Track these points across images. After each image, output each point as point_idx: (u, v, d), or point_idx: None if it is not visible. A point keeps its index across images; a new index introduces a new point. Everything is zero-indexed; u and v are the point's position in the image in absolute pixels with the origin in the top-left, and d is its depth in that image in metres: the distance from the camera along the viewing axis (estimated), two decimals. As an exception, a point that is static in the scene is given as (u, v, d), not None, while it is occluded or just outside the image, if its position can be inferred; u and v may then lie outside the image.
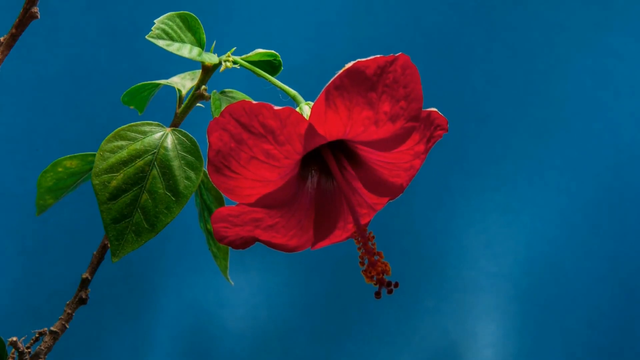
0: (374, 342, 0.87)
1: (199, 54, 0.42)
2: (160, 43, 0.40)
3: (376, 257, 0.38)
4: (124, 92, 0.51)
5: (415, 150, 0.38)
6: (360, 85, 0.33)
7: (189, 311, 0.85)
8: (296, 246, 0.40)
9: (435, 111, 0.38)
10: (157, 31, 0.40)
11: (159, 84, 0.49)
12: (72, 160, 0.46)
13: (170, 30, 0.41)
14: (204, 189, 0.47)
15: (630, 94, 0.88)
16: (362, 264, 0.38)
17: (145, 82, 0.50)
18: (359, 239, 0.38)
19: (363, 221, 0.41)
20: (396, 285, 0.38)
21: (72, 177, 0.47)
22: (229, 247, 0.48)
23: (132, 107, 0.52)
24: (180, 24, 0.42)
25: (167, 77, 0.49)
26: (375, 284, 0.38)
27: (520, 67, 0.88)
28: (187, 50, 0.41)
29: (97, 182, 0.39)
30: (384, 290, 0.38)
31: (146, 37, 0.40)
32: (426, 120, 0.38)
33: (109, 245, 0.41)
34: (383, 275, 0.38)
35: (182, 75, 0.48)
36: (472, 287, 0.87)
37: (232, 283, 0.51)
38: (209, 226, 0.48)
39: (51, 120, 0.82)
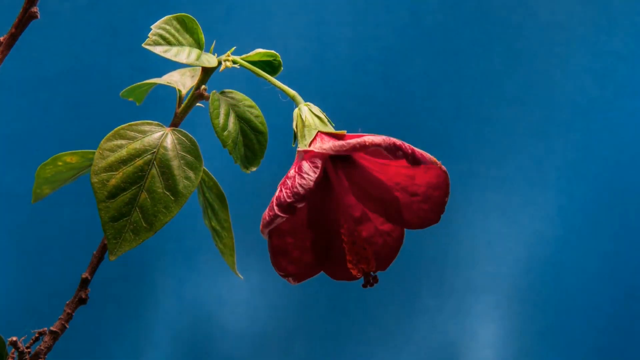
0: (374, 342, 0.87)
1: (198, 57, 0.41)
2: (157, 50, 0.40)
3: (365, 248, 0.39)
4: (124, 90, 0.51)
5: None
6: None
7: (189, 311, 0.85)
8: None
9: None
10: (154, 37, 0.40)
11: (158, 82, 0.49)
12: (72, 156, 0.46)
13: (167, 35, 0.41)
14: (206, 188, 0.47)
15: (630, 94, 0.88)
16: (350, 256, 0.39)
17: (145, 82, 0.50)
18: (349, 234, 0.39)
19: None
20: (376, 280, 0.39)
21: (71, 171, 0.48)
22: (234, 243, 0.48)
23: (130, 99, 0.52)
24: (178, 26, 0.42)
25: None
26: (360, 276, 0.39)
27: (520, 67, 0.87)
28: (184, 55, 0.41)
29: (96, 180, 0.39)
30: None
31: (143, 45, 0.40)
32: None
33: (108, 244, 0.41)
34: (369, 270, 0.39)
35: (182, 71, 0.48)
36: (472, 287, 0.87)
37: (242, 277, 0.51)
38: (213, 223, 0.48)
39: (51, 120, 0.82)
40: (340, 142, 0.35)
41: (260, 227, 0.36)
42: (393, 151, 0.35)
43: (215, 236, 0.48)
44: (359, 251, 0.39)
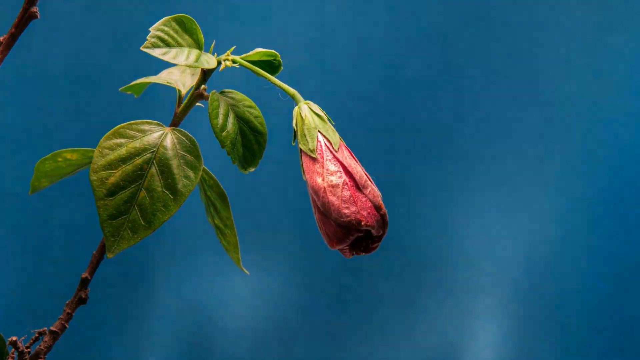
0: (373, 342, 0.87)
1: (197, 59, 0.41)
2: (156, 52, 0.40)
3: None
4: (123, 87, 0.51)
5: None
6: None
7: (189, 311, 0.85)
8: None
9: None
10: (152, 40, 0.40)
11: (158, 81, 0.50)
12: (72, 153, 0.47)
13: (166, 37, 0.41)
14: (207, 186, 0.47)
15: (630, 94, 0.88)
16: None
17: (145, 80, 0.50)
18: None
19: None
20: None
21: (71, 167, 0.48)
22: (238, 240, 0.48)
23: (129, 92, 0.52)
24: (177, 27, 0.41)
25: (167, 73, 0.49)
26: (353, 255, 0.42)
27: (521, 68, 0.88)
28: (183, 57, 0.41)
29: (94, 178, 0.39)
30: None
31: (141, 48, 0.40)
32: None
33: (108, 243, 0.41)
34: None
35: (182, 68, 0.48)
36: (472, 287, 0.87)
37: (247, 272, 0.51)
38: (216, 221, 0.48)
39: (51, 120, 0.82)
40: (342, 210, 0.38)
41: (333, 244, 0.39)
42: (377, 230, 0.38)
43: (219, 234, 0.49)
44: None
